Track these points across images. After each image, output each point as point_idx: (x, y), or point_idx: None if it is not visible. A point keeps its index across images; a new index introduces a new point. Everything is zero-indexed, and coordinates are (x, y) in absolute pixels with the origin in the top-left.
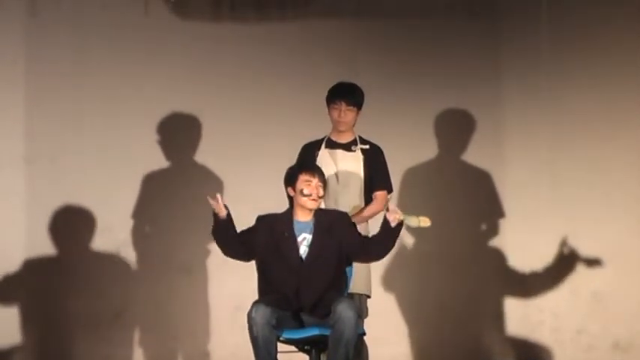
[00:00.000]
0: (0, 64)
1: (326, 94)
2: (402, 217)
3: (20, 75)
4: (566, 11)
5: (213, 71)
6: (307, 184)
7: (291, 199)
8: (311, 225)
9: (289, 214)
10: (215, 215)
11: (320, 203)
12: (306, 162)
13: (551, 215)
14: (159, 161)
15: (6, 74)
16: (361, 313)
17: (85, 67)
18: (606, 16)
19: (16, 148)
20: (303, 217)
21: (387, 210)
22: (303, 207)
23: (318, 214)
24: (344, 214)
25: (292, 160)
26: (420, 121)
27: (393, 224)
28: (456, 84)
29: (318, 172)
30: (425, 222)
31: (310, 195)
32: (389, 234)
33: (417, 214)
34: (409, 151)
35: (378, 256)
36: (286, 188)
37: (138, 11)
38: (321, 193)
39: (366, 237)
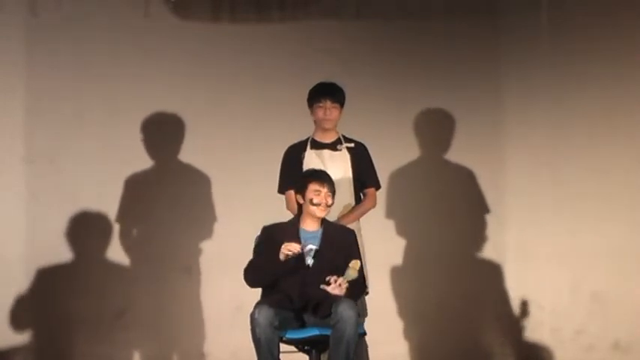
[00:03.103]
0: (0, 65)
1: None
2: (346, 284)
3: (20, 75)
4: (566, 11)
5: (214, 72)
6: (317, 193)
7: (300, 205)
8: (318, 236)
9: (296, 221)
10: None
11: (329, 211)
12: (315, 170)
13: (551, 215)
14: (159, 162)
15: (6, 74)
16: (361, 312)
17: (85, 68)
18: (606, 17)
19: (16, 148)
20: (310, 227)
21: (332, 282)
22: (312, 215)
23: (326, 226)
24: (351, 234)
25: None
26: (420, 121)
27: (343, 293)
28: (456, 84)
29: (327, 180)
30: (356, 264)
31: (319, 204)
32: (350, 295)
33: (347, 265)
34: (409, 151)
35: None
36: (295, 195)
37: (138, 12)
38: (330, 201)
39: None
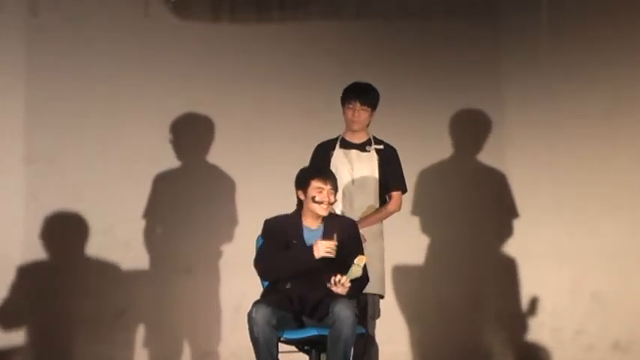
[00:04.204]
0: (0, 65)
1: (326, 94)
2: (348, 283)
3: (20, 75)
4: (566, 11)
5: (214, 72)
6: (319, 191)
7: (300, 201)
8: (319, 234)
9: (298, 217)
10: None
11: (330, 209)
12: (318, 167)
13: (551, 215)
14: (159, 162)
15: (6, 74)
16: (373, 313)
17: (85, 68)
18: (606, 17)
19: (16, 148)
20: (312, 223)
21: (335, 283)
22: (313, 212)
23: (328, 220)
24: (353, 226)
25: (292, 159)
26: (420, 121)
27: (345, 292)
28: (456, 84)
29: (330, 178)
30: (361, 260)
31: (322, 202)
32: (352, 293)
33: (351, 262)
34: (408, 151)
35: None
36: (297, 191)
37: (138, 12)
38: (333, 199)
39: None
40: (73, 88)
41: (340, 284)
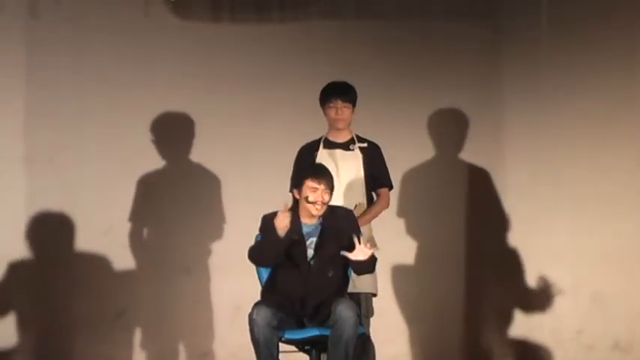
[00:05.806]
0: (0, 65)
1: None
2: (370, 251)
3: (21, 75)
4: (566, 12)
5: (213, 72)
6: (313, 190)
7: (296, 200)
8: (318, 228)
9: (295, 214)
10: (274, 231)
11: (324, 208)
12: (313, 166)
13: (551, 215)
14: (159, 162)
15: (6, 75)
16: (367, 312)
17: (84, 68)
18: (606, 17)
19: (16, 148)
20: (309, 220)
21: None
22: (307, 212)
23: (325, 215)
24: (350, 216)
25: (292, 160)
26: (420, 121)
27: (367, 256)
28: (456, 84)
29: (325, 177)
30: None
31: (315, 203)
32: (365, 265)
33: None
34: (409, 151)
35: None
36: (291, 190)
37: (138, 12)
38: (327, 199)
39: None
40: (73, 88)
41: (362, 248)
